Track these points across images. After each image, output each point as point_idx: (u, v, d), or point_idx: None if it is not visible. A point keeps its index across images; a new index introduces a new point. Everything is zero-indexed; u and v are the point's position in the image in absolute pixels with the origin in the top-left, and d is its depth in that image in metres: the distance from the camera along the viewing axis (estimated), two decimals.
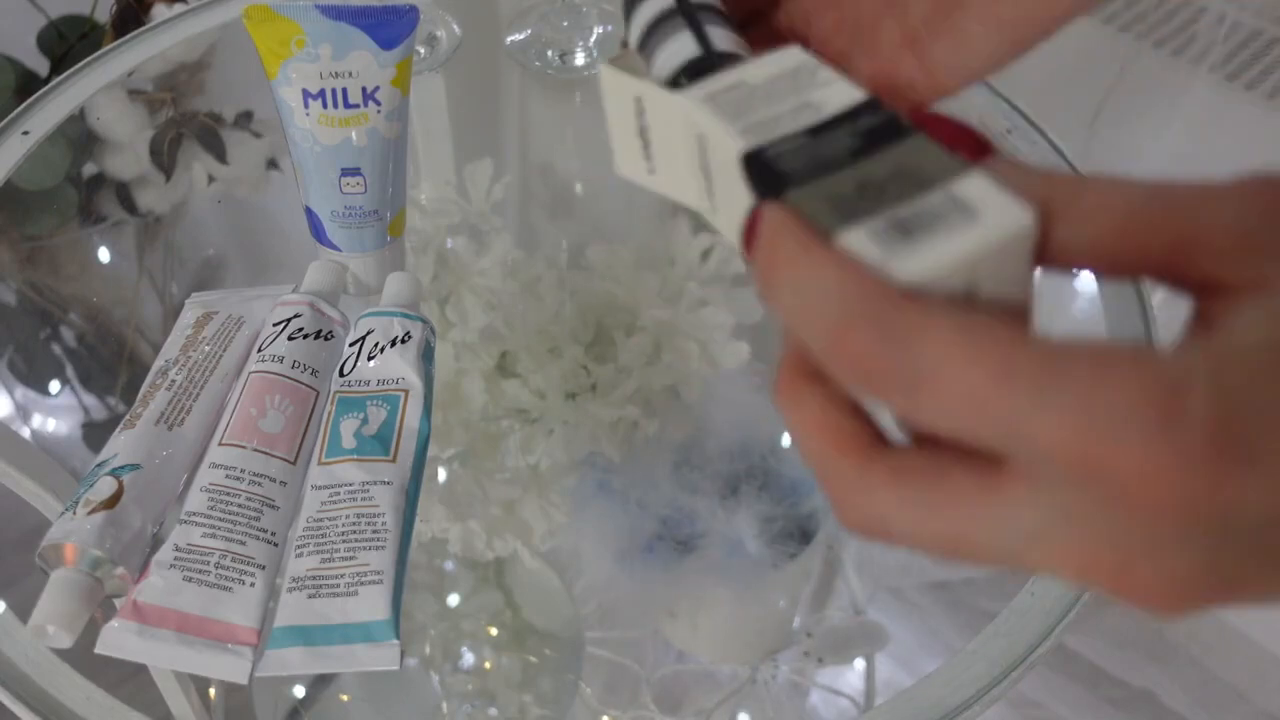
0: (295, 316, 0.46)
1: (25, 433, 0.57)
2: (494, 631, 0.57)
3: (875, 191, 0.21)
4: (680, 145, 0.26)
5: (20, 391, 0.58)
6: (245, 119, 0.72)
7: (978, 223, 0.20)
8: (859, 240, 0.20)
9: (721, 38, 0.28)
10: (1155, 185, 0.20)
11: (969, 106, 0.64)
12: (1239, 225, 0.19)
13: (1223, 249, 0.19)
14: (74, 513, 0.39)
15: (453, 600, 0.59)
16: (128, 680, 0.41)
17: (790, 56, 0.26)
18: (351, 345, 0.46)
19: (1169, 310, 0.66)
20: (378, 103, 0.49)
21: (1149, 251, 0.20)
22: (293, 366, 0.45)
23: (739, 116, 0.24)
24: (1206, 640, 0.71)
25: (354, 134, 0.49)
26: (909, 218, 0.20)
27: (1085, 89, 0.70)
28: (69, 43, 0.80)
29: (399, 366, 0.45)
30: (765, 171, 0.22)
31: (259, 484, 0.41)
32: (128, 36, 0.71)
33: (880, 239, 0.20)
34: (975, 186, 0.21)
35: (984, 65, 0.29)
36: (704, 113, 0.24)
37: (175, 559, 0.39)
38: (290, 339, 0.45)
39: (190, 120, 0.72)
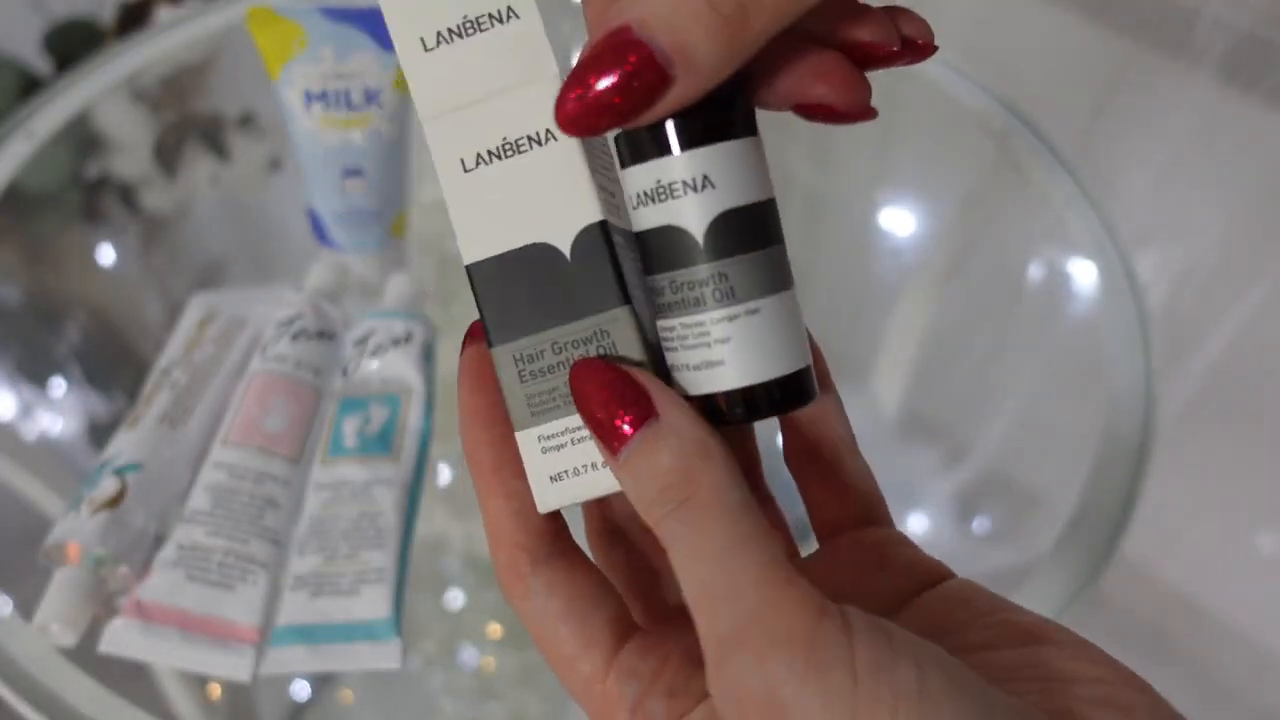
0: (298, 317, 0.47)
1: (29, 432, 0.58)
2: (495, 631, 0.58)
3: (562, 374, 0.22)
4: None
5: (24, 391, 0.59)
6: (248, 120, 0.72)
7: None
8: (529, 439, 0.22)
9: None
10: None
11: (967, 110, 0.64)
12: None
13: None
14: (77, 512, 0.40)
15: (454, 599, 0.59)
16: (131, 678, 0.41)
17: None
18: (354, 345, 0.47)
19: (1168, 311, 0.66)
20: (380, 104, 0.49)
21: None
22: (295, 366, 0.45)
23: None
24: (1205, 638, 0.71)
25: (356, 135, 0.50)
26: (575, 429, 0.22)
27: (1083, 90, 0.70)
28: (75, 46, 0.80)
29: (401, 366, 0.45)
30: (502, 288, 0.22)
31: (261, 483, 0.42)
32: (130, 37, 0.71)
33: (544, 448, 0.22)
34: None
35: None
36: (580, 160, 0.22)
37: (178, 557, 0.39)
38: (293, 339, 0.46)
39: (193, 121, 0.72)
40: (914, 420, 0.64)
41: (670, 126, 0.21)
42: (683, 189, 0.21)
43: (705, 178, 0.21)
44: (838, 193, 0.73)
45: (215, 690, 0.50)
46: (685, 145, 0.21)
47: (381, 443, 0.43)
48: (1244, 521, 0.71)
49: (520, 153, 0.22)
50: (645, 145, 0.21)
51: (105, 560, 0.39)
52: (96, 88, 0.67)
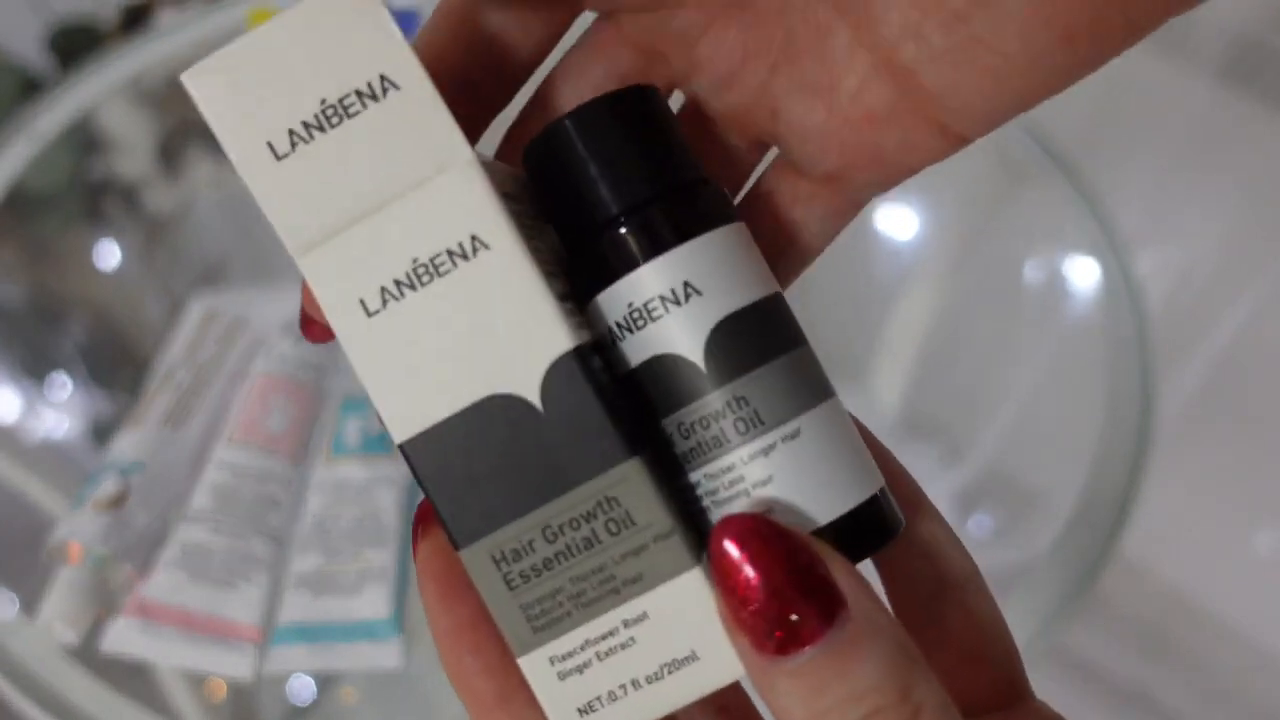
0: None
1: (32, 432, 0.58)
2: None
3: (564, 567, 0.16)
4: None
5: (27, 391, 0.59)
6: None
7: (675, 670, 0.16)
8: (538, 664, 0.16)
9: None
10: None
11: None
12: None
13: None
14: (80, 512, 0.40)
15: None
16: (134, 677, 0.41)
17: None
18: None
19: (1168, 311, 0.67)
20: None
21: None
22: (298, 367, 0.45)
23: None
24: (1204, 638, 0.71)
25: None
26: (598, 638, 0.16)
27: (1082, 90, 0.70)
28: (78, 48, 0.80)
29: None
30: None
31: (264, 482, 0.42)
32: (132, 37, 0.71)
33: (561, 672, 0.16)
34: (690, 595, 0.16)
35: (1010, 100, 0.17)
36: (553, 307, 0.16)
37: (181, 557, 0.40)
38: (295, 340, 0.46)
39: (195, 123, 0.72)
40: (913, 419, 0.64)
41: (629, 232, 0.17)
42: (662, 306, 0.16)
43: (687, 285, 0.16)
44: None
45: (218, 689, 0.50)
46: (653, 252, 0.16)
47: (383, 442, 0.43)
48: (1244, 521, 0.71)
49: (440, 275, 0.16)
50: (606, 263, 0.17)
51: (108, 560, 0.39)
52: (99, 89, 0.68)
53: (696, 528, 0.17)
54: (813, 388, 0.17)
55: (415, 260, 0.16)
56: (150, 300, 0.68)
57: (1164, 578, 0.72)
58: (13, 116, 0.65)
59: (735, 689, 0.20)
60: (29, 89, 0.78)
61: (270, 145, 0.16)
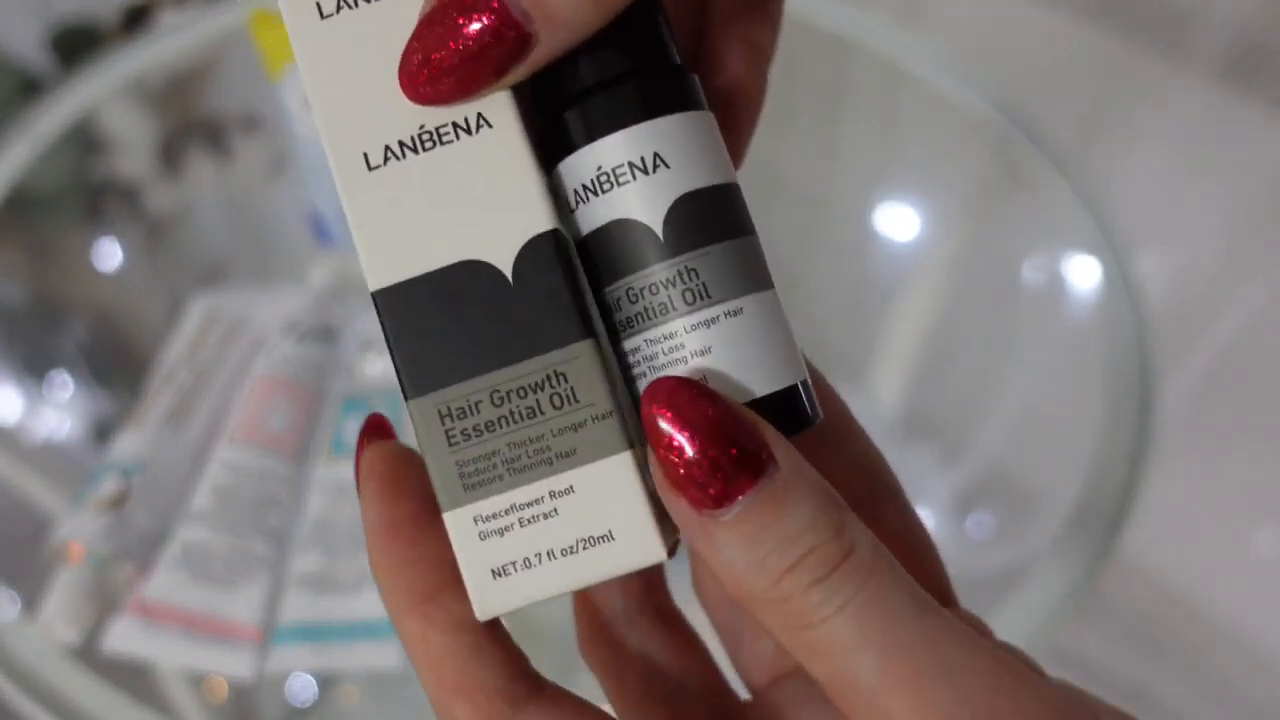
0: (301, 318, 0.47)
1: (33, 432, 0.58)
2: None
3: (504, 431, 0.17)
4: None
5: (28, 391, 0.59)
6: (250, 122, 0.72)
7: (590, 547, 0.17)
8: (462, 521, 0.17)
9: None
10: None
11: (966, 112, 0.65)
12: None
13: None
14: (81, 512, 0.40)
15: None
16: (136, 677, 0.41)
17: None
18: (357, 345, 0.47)
19: (1167, 311, 0.67)
20: None
21: None
22: (299, 367, 0.45)
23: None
24: (1203, 636, 0.71)
25: None
26: (523, 505, 0.17)
27: (1081, 91, 0.71)
28: (79, 48, 0.80)
29: None
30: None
31: (265, 482, 0.42)
32: (132, 37, 0.71)
33: (482, 532, 0.17)
34: (617, 476, 0.17)
35: None
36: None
37: (182, 556, 0.40)
38: (297, 340, 0.46)
39: (196, 123, 0.72)
40: (913, 418, 0.64)
41: (607, 102, 0.17)
42: (630, 172, 0.17)
43: (657, 155, 0.17)
44: (836, 193, 0.73)
45: (219, 688, 0.50)
46: (629, 121, 0.17)
47: None
48: (1244, 521, 0.71)
49: (443, 143, 0.17)
50: (580, 128, 0.18)
51: (109, 559, 0.39)
52: (99, 89, 0.68)
53: (636, 416, 0.17)
54: (757, 274, 0.18)
55: (423, 127, 0.17)
56: (151, 300, 0.68)
57: (1164, 578, 0.72)
58: (13, 116, 0.65)
59: (667, 594, 0.22)
60: (29, 89, 0.78)
61: (318, 5, 0.17)
